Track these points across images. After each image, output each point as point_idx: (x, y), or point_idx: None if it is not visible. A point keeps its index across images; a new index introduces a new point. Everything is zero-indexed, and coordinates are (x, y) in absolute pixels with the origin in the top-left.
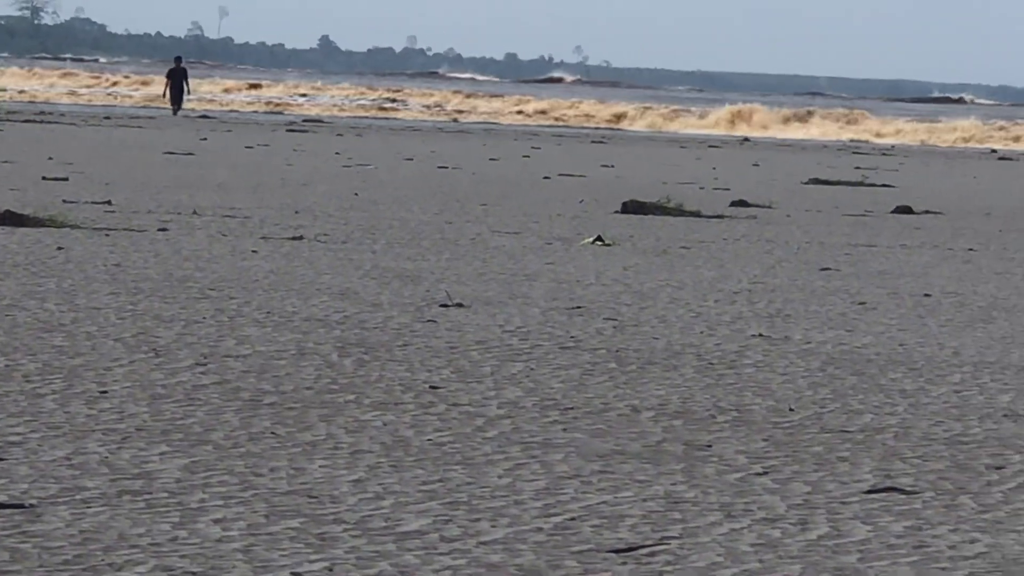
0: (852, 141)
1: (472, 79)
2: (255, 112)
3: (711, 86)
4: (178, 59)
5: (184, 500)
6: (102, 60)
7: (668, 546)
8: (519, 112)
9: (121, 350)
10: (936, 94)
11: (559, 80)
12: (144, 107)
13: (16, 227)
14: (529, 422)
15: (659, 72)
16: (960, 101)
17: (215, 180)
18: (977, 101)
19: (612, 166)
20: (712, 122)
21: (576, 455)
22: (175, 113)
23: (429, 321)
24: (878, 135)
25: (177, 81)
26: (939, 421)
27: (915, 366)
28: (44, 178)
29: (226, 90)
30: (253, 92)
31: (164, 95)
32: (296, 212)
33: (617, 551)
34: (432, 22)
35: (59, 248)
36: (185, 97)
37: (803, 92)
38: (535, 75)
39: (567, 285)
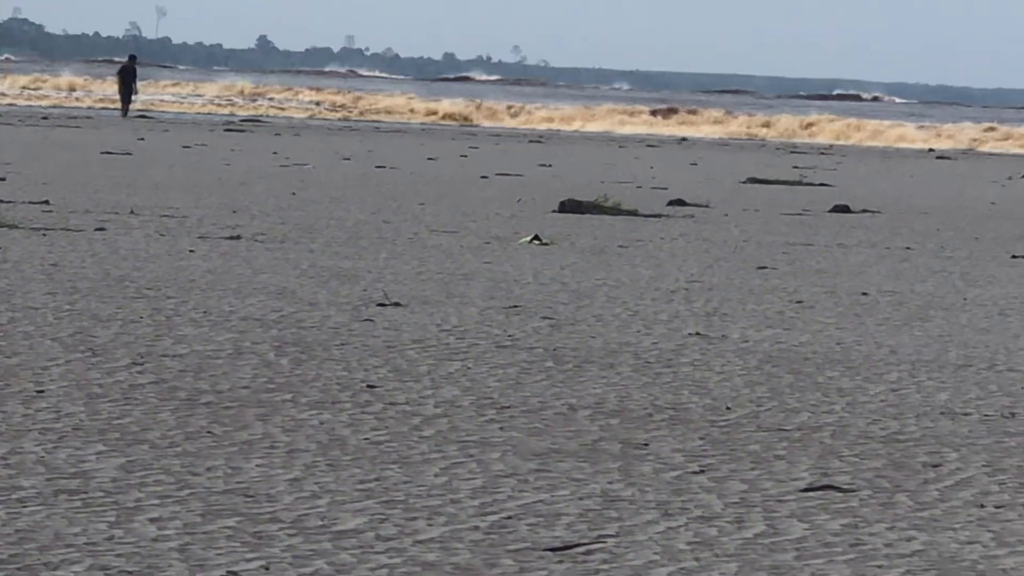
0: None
1: (383, 77)
2: (198, 113)
3: (648, 85)
4: (132, 57)
5: (120, 499)
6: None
7: (605, 544)
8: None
9: (58, 349)
10: (838, 91)
11: (466, 79)
12: (75, 107)
13: None
14: (466, 421)
15: (597, 71)
16: (876, 99)
17: (153, 180)
18: (896, 100)
19: (550, 165)
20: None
21: (513, 454)
22: (124, 114)
23: (366, 320)
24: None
25: (127, 80)
26: (876, 419)
27: (852, 364)
28: None
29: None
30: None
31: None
32: (233, 211)
33: (553, 549)
34: (371, 22)
35: None
36: (133, 97)
37: (731, 90)
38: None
39: (504, 284)
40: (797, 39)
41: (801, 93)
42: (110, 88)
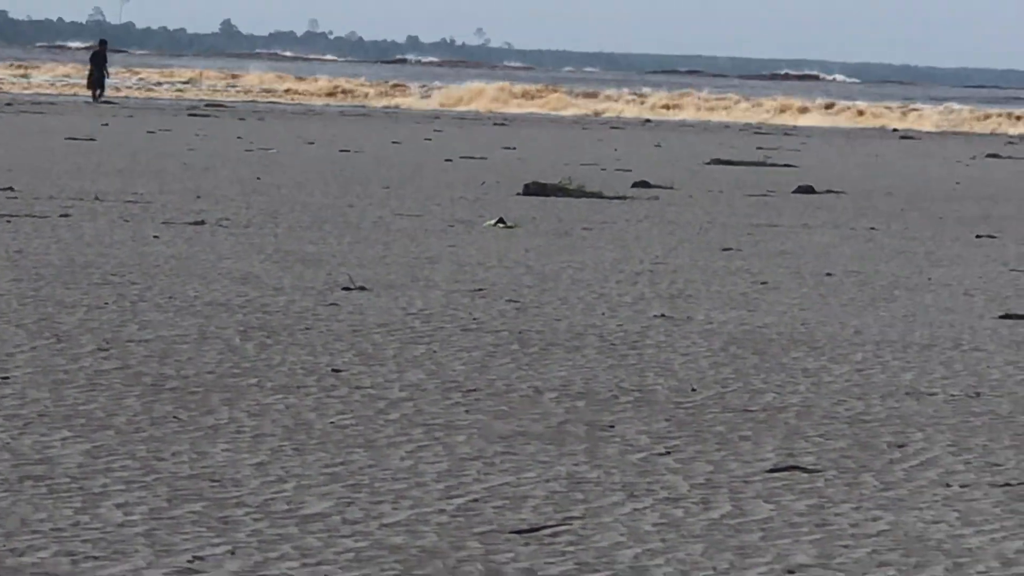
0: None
1: (339, 60)
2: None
3: (615, 67)
4: (103, 43)
5: (86, 485)
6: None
7: (571, 526)
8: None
9: (23, 336)
10: (785, 71)
11: (404, 60)
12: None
13: None
14: (431, 404)
15: (563, 53)
16: (815, 78)
17: (117, 166)
18: (838, 79)
19: (514, 148)
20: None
21: (479, 437)
22: (96, 99)
23: (331, 304)
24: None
25: (99, 65)
26: (841, 400)
27: (817, 345)
28: None
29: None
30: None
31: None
32: (198, 197)
33: (520, 532)
34: (335, 5)
35: None
36: (106, 82)
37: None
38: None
39: (469, 267)
40: (761, 19)
41: (763, 73)
42: (74, 72)
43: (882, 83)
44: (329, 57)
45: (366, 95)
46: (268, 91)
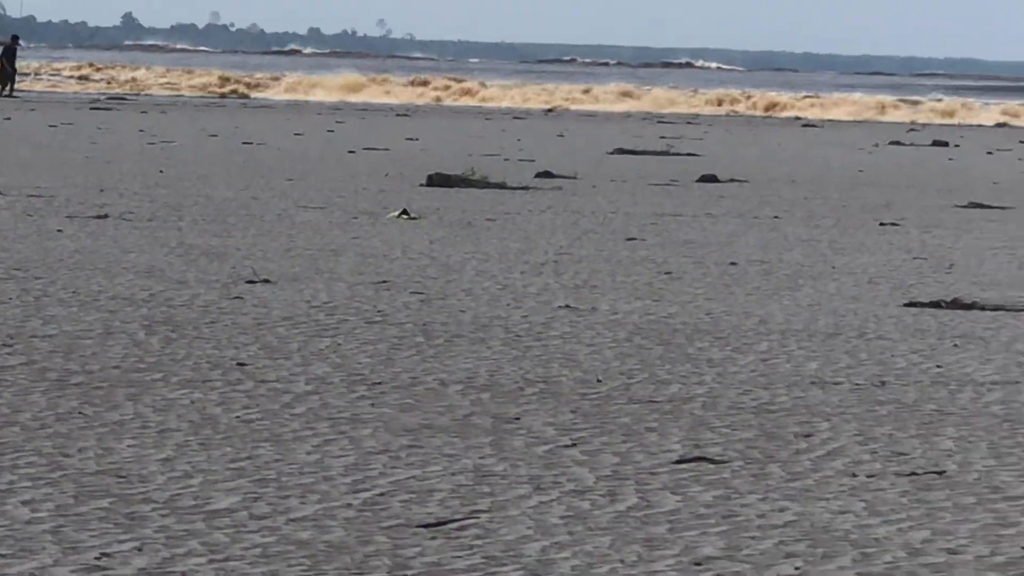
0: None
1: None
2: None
3: (514, 56)
4: (14, 37)
5: None
6: None
7: (478, 520)
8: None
9: None
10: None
11: (296, 52)
12: None
13: None
14: (337, 398)
15: (464, 44)
16: (688, 65)
17: (19, 159)
18: (721, 67)
19: (417, 139)
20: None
21: (384, 430)
22: (7, 93)
23: (235, 298)
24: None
25: (10, 60)
26: (747, 390)
27: (722, 335)
28: None
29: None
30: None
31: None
32: (101, 190)
33: (427, 526)
34: None
35: None
36: (17, 76)
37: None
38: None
39: (373, 259)
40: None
41: (632, 63)
42: None
43: (777, 71)
44: (219, 50)
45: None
46: (136, 83)
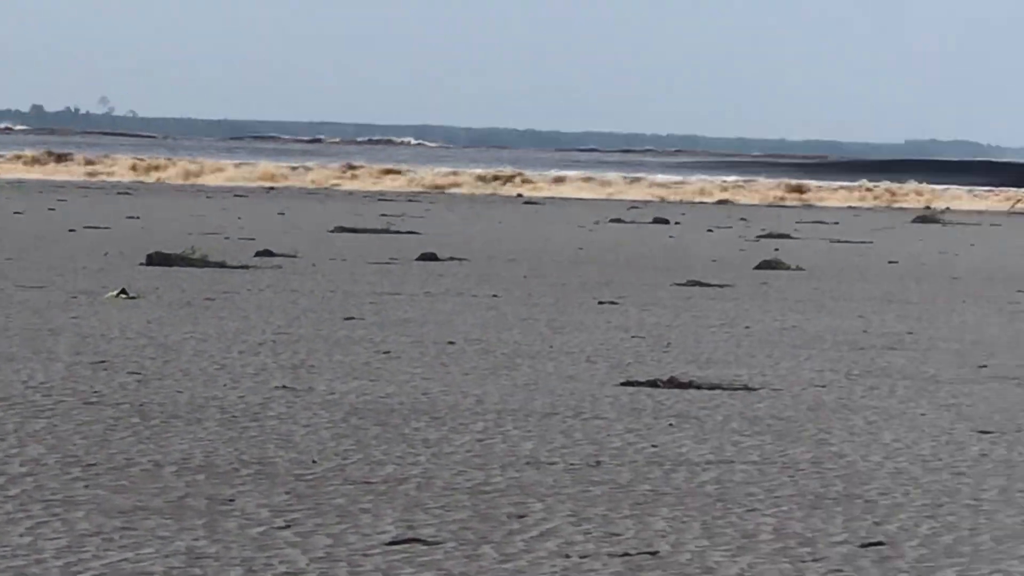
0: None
1: None
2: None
3: (239, 133)
4: None
5: None
6: None
7: None
8: None
9: None
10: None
11: (8, 130)
12: None
13: None
14: (51, 479)
15: (186, 121)
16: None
17: None
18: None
19: (138, 218)
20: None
21: (98, 512)
22: None
23: None
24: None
25: None
26: (462, 470)
27: (438, 415)
28: None
29: None
30: None
31: None
32: None
33: None
34: None
35: None
36: None
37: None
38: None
39: (91, 339)
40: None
41: (358, 139)
42: None
43: (500, 148)
44: None
45: None
46: None
